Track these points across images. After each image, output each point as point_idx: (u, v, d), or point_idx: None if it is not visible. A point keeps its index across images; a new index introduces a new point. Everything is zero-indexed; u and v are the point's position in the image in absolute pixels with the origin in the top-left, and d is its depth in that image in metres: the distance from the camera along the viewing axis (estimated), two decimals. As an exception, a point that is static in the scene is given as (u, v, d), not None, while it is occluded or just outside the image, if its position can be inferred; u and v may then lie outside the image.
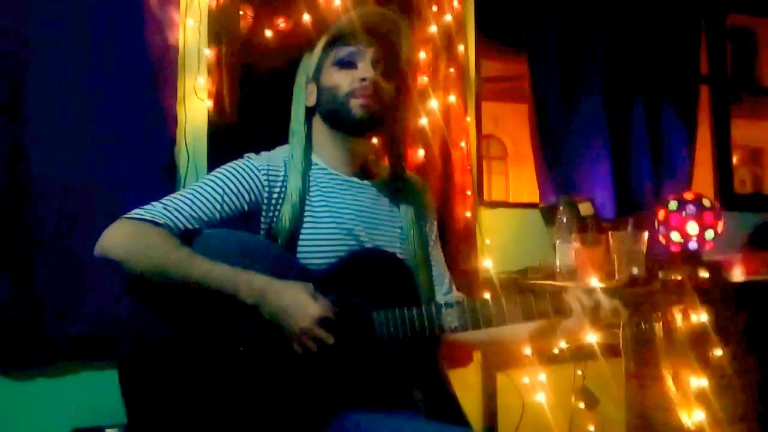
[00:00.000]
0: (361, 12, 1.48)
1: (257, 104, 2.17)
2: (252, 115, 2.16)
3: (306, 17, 2.21)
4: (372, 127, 1.50)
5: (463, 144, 2.50)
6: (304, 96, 1.54)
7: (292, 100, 1.57)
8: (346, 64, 1.48)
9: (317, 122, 1.54)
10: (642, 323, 1.47)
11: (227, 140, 2.12)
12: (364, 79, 1.44)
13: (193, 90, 2.16)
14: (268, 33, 2.19)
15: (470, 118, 2.60)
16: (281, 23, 2.21)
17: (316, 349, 1.26)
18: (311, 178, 1.49)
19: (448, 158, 2.45)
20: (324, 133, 1.53)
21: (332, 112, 1.49)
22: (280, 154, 1.51)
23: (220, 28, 2.17)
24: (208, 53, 2.16)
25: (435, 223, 1.70)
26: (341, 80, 1.47)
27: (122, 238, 1.30)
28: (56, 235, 1.91)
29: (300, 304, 1.26)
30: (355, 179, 1.54)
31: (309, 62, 1.55)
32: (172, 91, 2.10)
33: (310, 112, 1.54)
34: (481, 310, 1.36)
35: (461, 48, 2.55)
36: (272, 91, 2.11)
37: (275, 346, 1.29)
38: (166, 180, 2.06)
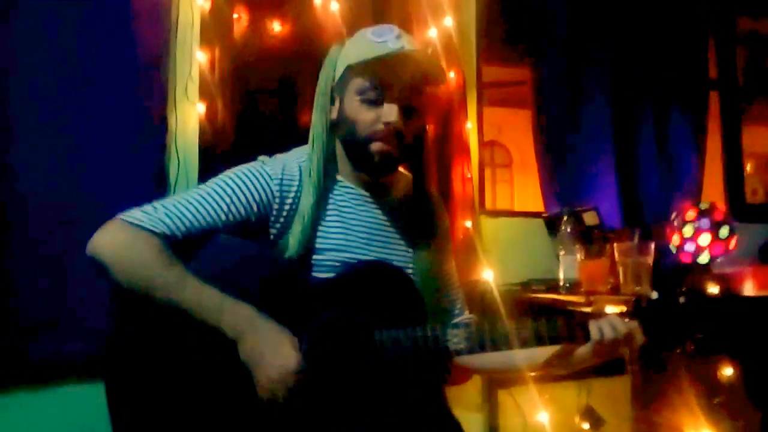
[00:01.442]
0: (397, 47, 1.34)
1: (251, 110, 2.10)
2: (245, 122, 2.10)
3: (302, 20, 2.16)
4: (390, 171, 1.42)
5: (463, 151, 2.44)
6: (326, 102, 1.42)
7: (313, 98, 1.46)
8: (371, 101, 1.35)
9: (337, 141, 1.44)
10: (661, 351, 1.40)
11: (219, 147, 2.07)
12: (388, 123, 1.34)
13: (185, 95, 2.10)
14: (264, 36, 2.14)
15: (471, 124, 2.54)
16: (276, 26, 2.15)
17: (281, 401, 1.19)
18: (326, 190, 1.41)
19: (447, 165, 2.39)
20: (342, 154, 1.43)
21: (350, 147, 1.39)
22: (295, 159, 1.42)
23: (213, 30, 2.11)
24: (201, 57, 2.10)
25: (450, 241, 1.61)
26: (363, 117, 1.35)
27: (115, 245, 1.25)
28: (43, 248, 1.87)
29: (279, 354, 1.20)
30: (371, 195, 1.46)
31: (333, 65, 1.42)
32: (163, 97, 2.05)
33: (333, 126, 1.43)
34: (489, 331, 1.28)
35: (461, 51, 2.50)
36: (267, 96, 2.07)
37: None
38: (156, 188, 2.01)
